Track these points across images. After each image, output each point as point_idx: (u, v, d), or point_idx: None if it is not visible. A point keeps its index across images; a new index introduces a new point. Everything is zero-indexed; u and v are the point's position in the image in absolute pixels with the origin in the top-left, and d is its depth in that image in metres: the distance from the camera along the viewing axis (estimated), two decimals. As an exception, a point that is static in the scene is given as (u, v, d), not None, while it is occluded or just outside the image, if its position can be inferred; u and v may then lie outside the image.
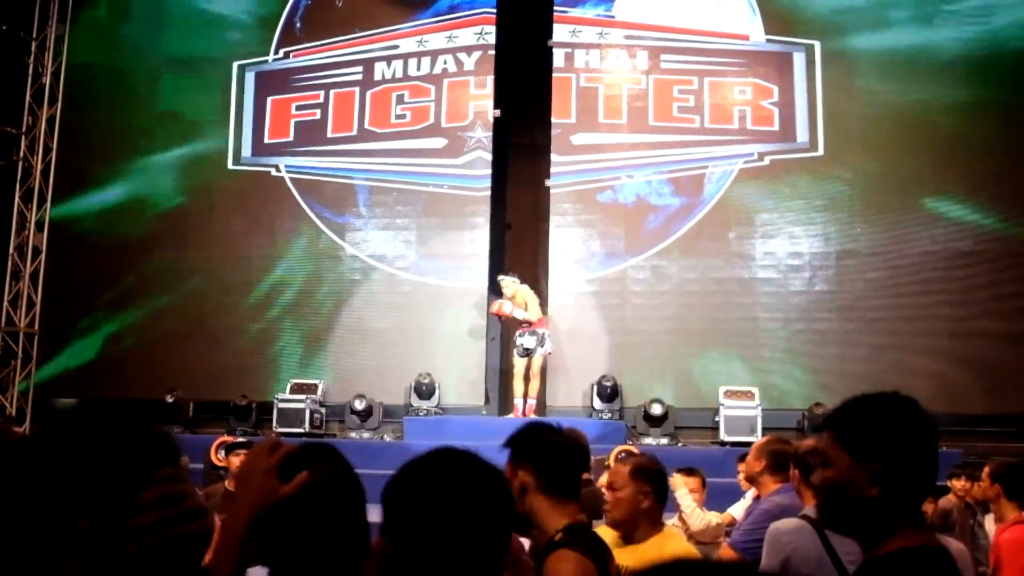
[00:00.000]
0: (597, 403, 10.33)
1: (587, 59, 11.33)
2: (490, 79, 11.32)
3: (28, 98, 12.13)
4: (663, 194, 11.02)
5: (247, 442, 7.03)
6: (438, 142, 11.32)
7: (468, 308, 11.01)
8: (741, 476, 5.04)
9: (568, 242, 11.09)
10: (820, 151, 10.81)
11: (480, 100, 11.33)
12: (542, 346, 9.82)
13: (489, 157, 11.21)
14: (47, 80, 12.16)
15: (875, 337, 10.26)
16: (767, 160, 10.90)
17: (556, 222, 11.06)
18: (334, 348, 11.19)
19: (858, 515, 1.83)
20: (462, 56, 11.47)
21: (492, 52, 11.36)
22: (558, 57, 11.30)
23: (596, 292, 10.90)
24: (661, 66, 11.21)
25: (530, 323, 9.80)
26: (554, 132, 11.14)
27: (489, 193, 11.19)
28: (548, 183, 11.08)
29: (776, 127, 10.93)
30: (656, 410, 10.02)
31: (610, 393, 10.29)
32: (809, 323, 10.50)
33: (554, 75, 11.26)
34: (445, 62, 11.47)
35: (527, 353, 9.79)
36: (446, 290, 11.06)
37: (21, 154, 12.04)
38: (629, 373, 10.46)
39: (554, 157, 11.12)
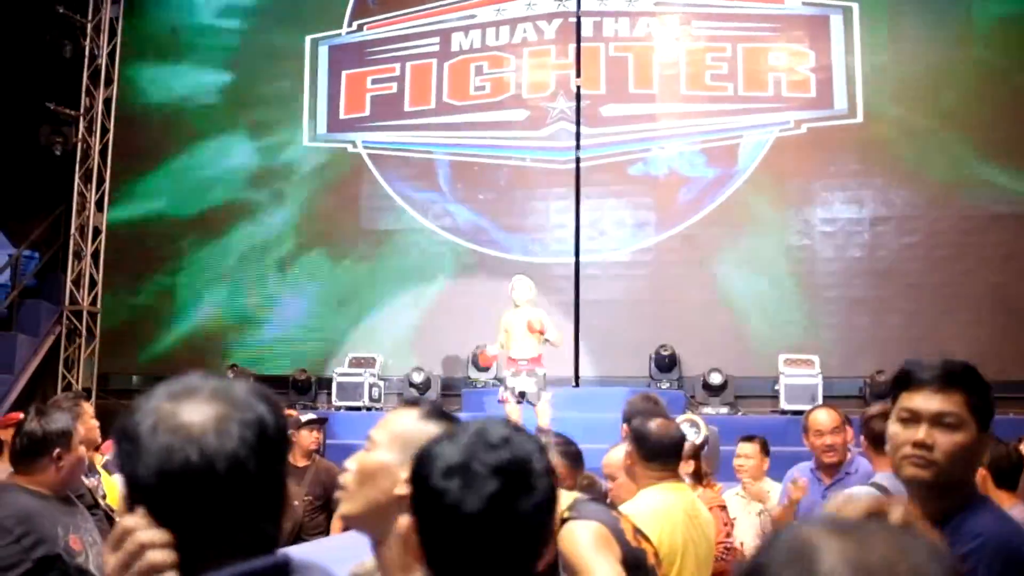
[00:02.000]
0: (655, 373, 10.33)
1: (616, 28, 11.21)
2: (571, 47, 11.17)
3: (85, 80, 12.25)
4: (696, 165, 10.97)
5: (318, 420, 7.12)
6: (519, 114, 11.29)
7: (549, 281, 10.90)
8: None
9: (600, 215, 11.09)
10: (859, 117, 10.67)
11: (562, 70, 11.23)
12: (544, 390, 8.19)
13: (573, 128, 11.09)
14: (103, 61, 12.27)
15: (912, 303, 10.21)
16: (804, 128, 10.81)
17: (587, 193, 11.03)
18: (394, 321, 11.22)
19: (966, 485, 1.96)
20: (542, 24, 11.36)
21: (573, 20, 11.17)
22: (586, 26, 11.14)
23: (631, 264, 10.92)
24: (692, 33, 11.12)
25: (532, 359, 8.27)
26: (583, 104, 11.09)
27: (574, 166, 11.06)
28: (578, 155, 11.04)
29: (813, 93, 10.81)
30: (715, 379, 10.04)
31: (668, 363, 10.29)
32: (846, 289, 10.44)
33: (582, 44, 11.14)
34: (524, 31, 11.40)
35: (522, 399, 8.14)
36: (527, 265, 10.85)
37: (80, 136, 12.17)
38: (686, 343, 10.41)
39: (584, 129, 11.05)
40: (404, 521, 1.42)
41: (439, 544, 1.38)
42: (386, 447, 1.76)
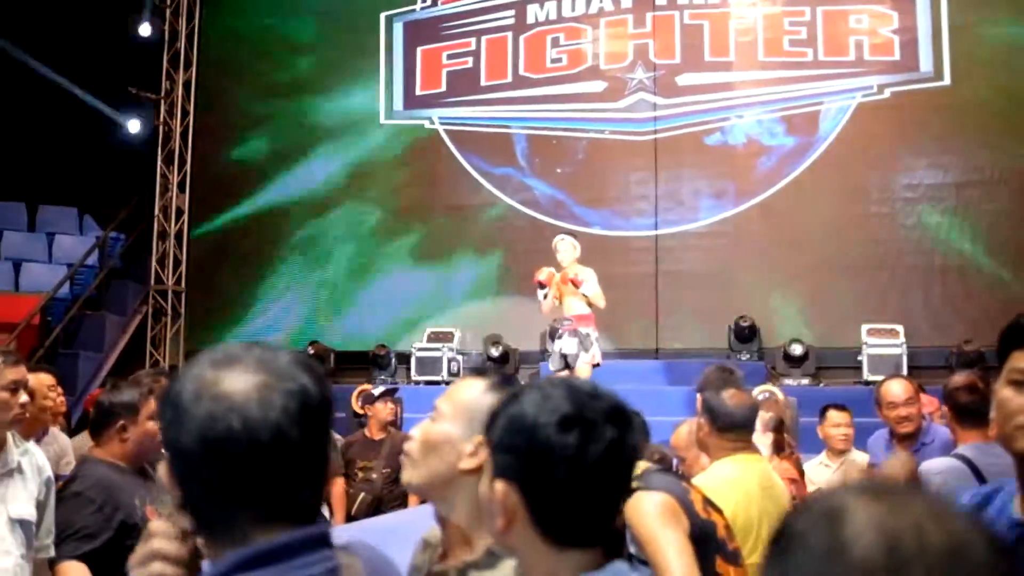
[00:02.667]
0: (735, 344, 10.21)
1: (691, -6, 11.03)
2: (650, 16, 11.06)
3: (165, 64, 12.55)
4: (775, 134, 10.79)
5: (389, 390, 7.28)
6: (596, 85, 11.20)
7: (628, 253, 10.99)
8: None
9: (678, 186, 10.98)
10: (946, 80, 10.36)
11: (640, 39, 11.11)
12: (587, 351, 7.72)
13: (652, 99, 11.02)
14: (182, 45, 12.53)
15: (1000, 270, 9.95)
16: (887, 93, 10.53)
17: (665, 164, 10.93)
18: (473, 295, 11.28)
19: None
20: (619, -8, 11.18)
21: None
22: (659, -6, 10.97)
23: (710, 235, 10.80)
24: (770, -3, 10.84)
25: (578, 317, 7.87)
26: (658, 73, 10.98)
27: (652, 137, 10.98)
28: (653, 127, 10.97)
29: (897, 56, 10.50)
30: (796, 350, 9.90)
31: (748, 334, 10.17)
32: (931, 256, 10.22)
33: (656, 13, 11.03)
34: (601, 0, 11.29)
35: (565, 365, 7.74)
36: (606, 238, 10.95)
37: (161, 118, 12.47)
38: (766, 314, 10.31)
39: (659, 100, 10.97)
40: (497, 487, 1.40)
41: (554, 500, 1.38)
42: (451, 419, 1.78)
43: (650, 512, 2.59)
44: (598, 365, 7.87)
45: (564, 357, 7.80)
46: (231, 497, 1.22)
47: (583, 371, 7.60)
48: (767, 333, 10.33)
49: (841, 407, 5.81)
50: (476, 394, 1.78)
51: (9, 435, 3.37)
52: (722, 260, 10.80)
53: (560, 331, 7.92)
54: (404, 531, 2.48)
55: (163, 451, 1.29)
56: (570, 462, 1.37)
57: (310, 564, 1.23)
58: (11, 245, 12.28)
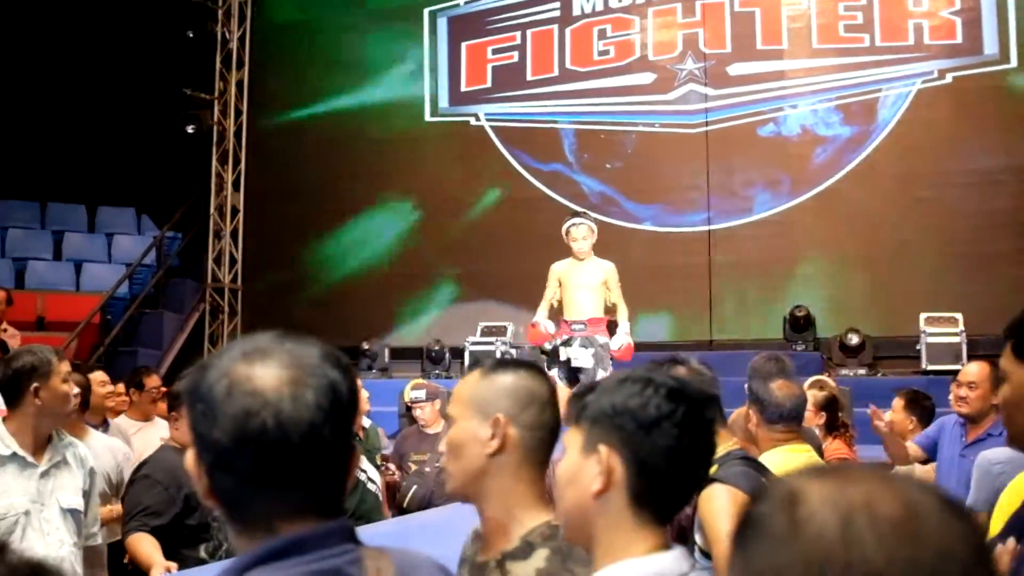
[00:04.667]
0: (790, 334, 10.17)
1: (741, -19, 10.88)
2: (699, 4, 11.00)
3: (218, 64, 12.90)
4: (831, 123, 10.68)
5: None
6: (646, 77, 11.17)
7: (681, 245, 11.01)
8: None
9: (731, 178, 10.91)
10: (1013, 62, 10.15)
11: (689, 29, 11.06)
12: (603, 368, 6.57)
13: (704, 90, 10.98)
14: (234, 45, 12.86)
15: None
16: (949, 77, 10.36)
17: (717, 156, 10.88)
18: (524, 292, 11.35)
19: None
20: (667, -19, 11.10)
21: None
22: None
23: (765, 226, 10.73)
24: (823, -19, 10.66)
25: (593, 321, 6.80)
26: (708, 64, 10.92)
27: (706, 129, 10.94)
28: (704, 119, 10.90)
29: (959, 39, 10.30)
30: (853, 340, 9.83)
31: (803, 324, 10.13)
32: (991, 243, 10.03)
33: (705, 2, 10.95)
34: None
35: (574, 378, 6.61)
36: (655, 234, 11.03)
37: (215, 118, 12.84)
38: (822, 304, 10.27)
39: (709, 91, 10.92)
40: (602, 449, 1.52)
41: (655, 468, 1.51)
42: (464, 417, 1.87)
43: (724, 511, 2.68)
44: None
45: (571, 369, 6.65)
46: (260, 490, 1.25)
47: None
48: (823, 323, 10.30)
49: (903, 392, 5.81)
50: (474, 383, 1.89)
51: (56, 431, 3.65)
52: (776, 251, 10.75)
53: (567, 337, 6.74)
54: (450, 526, 2.64)
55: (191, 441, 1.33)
56: (676, 431, 1.51)
57: (333, 556, 1.26)
58: (72, 246, 12.73)
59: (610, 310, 7.08)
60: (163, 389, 6.73)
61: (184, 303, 12.53)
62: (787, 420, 3.48)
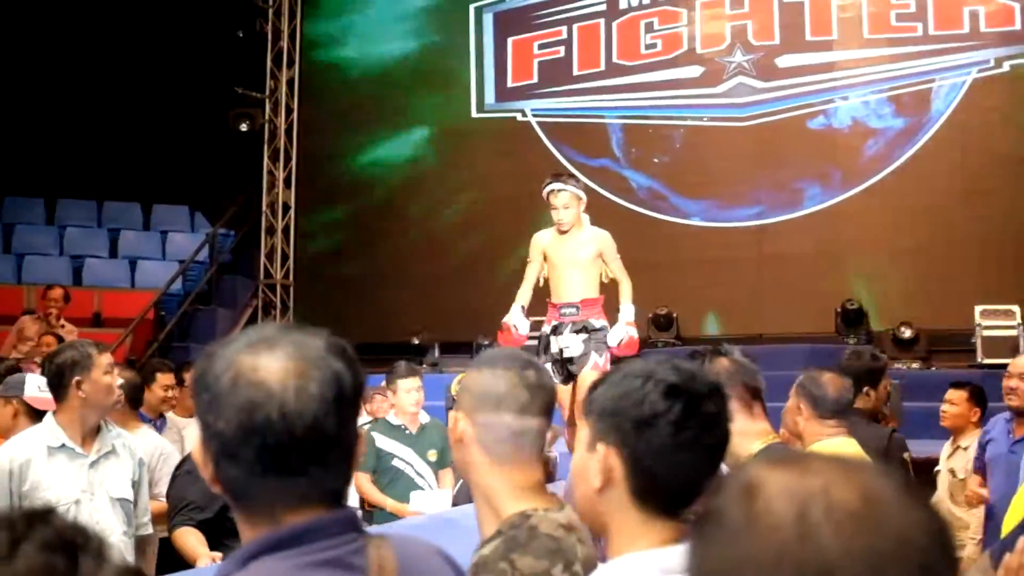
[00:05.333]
0: (841, 328, 10.08)
1: (789, -30, 10.71)
2: None
3: (269, 63, 13.09)
4: (883, 115, 10.53)
5: None
6: (694, 71, 11.12)
7: (730, 236, 10.98)
8: None
9: (781, 171, 10.82)
10: None
11: (738, 21, 10.97)
12: (598, 354, 5.57)
13: (752, 83, 10.88)
14: (284, 44, 13.05)
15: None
16: (1006, 66, 10.15)
17: (766, 149, 10.79)
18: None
19: None
20: (714, -27, 11.02)
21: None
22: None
23: (815, 219, 10.64)
24: (874, -32, 10.48)
25: (587, 302, 5.70)
26: (756, 56, 10.83)
27: (755, 123, 10.85)
28: (753, 111, 10.82)
29: (1017, 26, 10.10)
30: (906, 333, 9.77)
31: (855, 317, 10.04)
32: None
33: None
34: None
35: (566, 373, 5.59)
36: (703, 229, 11.00)
37: (266, 116, 13.04)
38: (874, 297, 10.16)
39: (758, 83, 10.83)
40: (599, 448, 1.54)
41: (652, 465, 1.52)
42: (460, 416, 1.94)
43: None
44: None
45: (563, 362, 5.62)
46: (264, 479, 1.27)
47: (580, 388, 5.28)
48: (876, 316, 10.20)
49: (960, 385, 5.76)
50: (453, 383, 2.04)
51: (104, 422, 3.78)
52: (827, 244, 10.67)
53: (558, 322, 5.71)
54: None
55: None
56: (671, 429, 1.51)
57: (336, 546, 1.29)
58: (127, 244, 13.01)
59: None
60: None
61: (237, 299, 12.76)
62: (838, 414, 3.46)
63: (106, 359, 3.71)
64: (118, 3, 12.66)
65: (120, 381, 3.85)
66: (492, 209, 11.89)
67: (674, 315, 10.78)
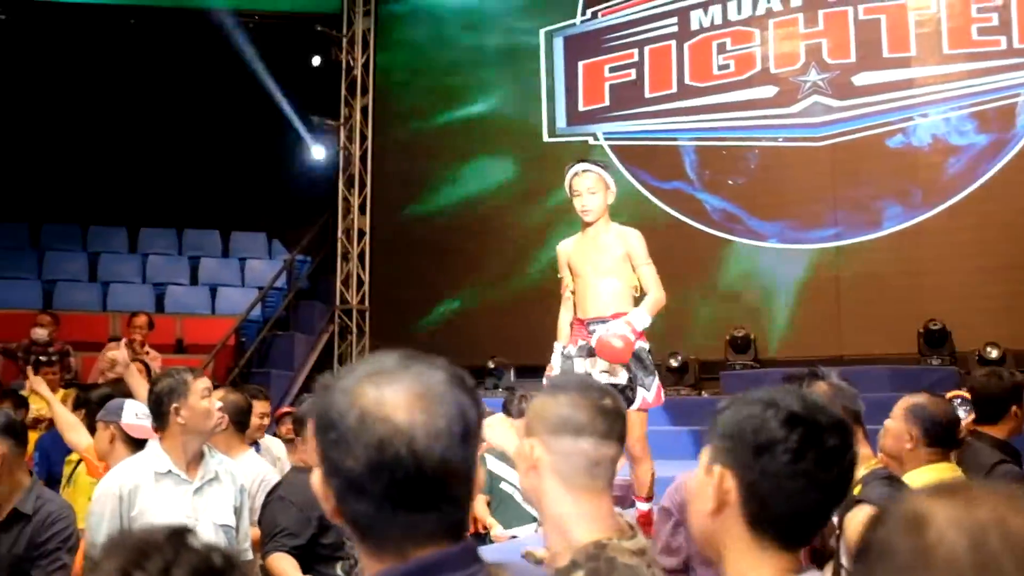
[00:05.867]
0: (924, 349, 9.87)
1: (866, -13, 10.57)
2: (822, 13, 10.77)
3: (343, 90, 13.35)
4: (965, 132, 10.28)
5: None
6: (767, 91, 11.01)
7: (809, 258, 10.86)
8: None
9: (859, 191, 10.64)
10: None
11: (812, 39, 10.87)
12: (646, 388, 4.81)
13: (828, 102, 10.77)
14: (358, 72, 13.30)
15: None
16: None
17: (844, 169, 10.65)
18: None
19: None
20: (787, -8, 10.92)
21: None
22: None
23: (896, 239, 10.45)
24: (953, -18, 10.26)
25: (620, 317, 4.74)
26: (832, 74, 10.69)
27: (831, 142, 10.74)
28: (830, 131, 10.67)
29: None
30: (992, 354, 9.44)
31: (938, 338, 9.84)
32: None
33: (828, 11, 10.72)
34: (768, 1, 11.07)
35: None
36: (782, 251, 10.89)
37: (341, 143, 13.29)
38: (958, 317, 9.86)
39: (834, 102, 10.68)
40: (716, 470, 1.56)
41: (767, 491, 1.52)
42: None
43: None
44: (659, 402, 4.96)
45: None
46: (392, 514, 1.27)
47: (633, 425, 4.41)
48: (960, 337, 9.98)
49: None
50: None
51: (207, 447, 3.88)
52: (908, 264, 10.47)
53: (586, 342, 4.87)
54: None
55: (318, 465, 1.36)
56: (788, 457, 1.51)
57: None
58: (207, 271, 13.32)
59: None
60: (281, 411, 7.10)
61: (314, 325, 12.95)
62: (945, 439, 3.43)
63: (202, 384, 3.80)
64: (198, 37, 13.00)
65: (218, 404, 3.94)
66: (566, 232, 11.85)
67: (752, 337, 10.70)
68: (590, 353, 4.81)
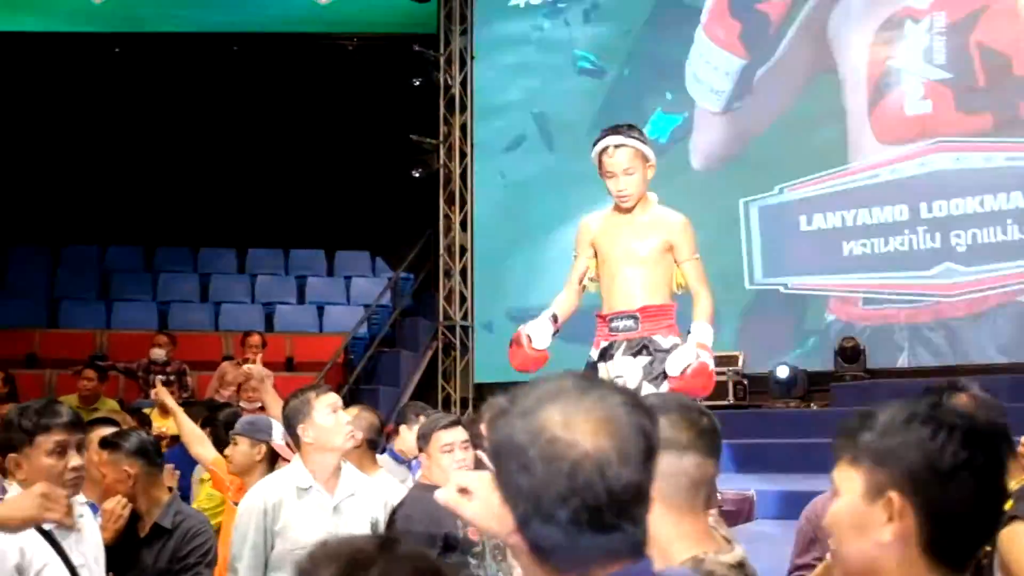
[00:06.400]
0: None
1: None
2: None
3: (441, 110, 13.52)
4: None
5: None
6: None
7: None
8: None
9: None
10: None
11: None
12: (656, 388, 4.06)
13: None
14: (456, 90, 13.47)
15: None
16: None
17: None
18: (753, 317, 11.17)
19: None
20: None
21: None
22: None
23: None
24: None
25: (649, 310, 4.29)
26: None
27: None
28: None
29: None
30: None
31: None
32: None
33: None
34: None
35: None
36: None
37: (441, 162, 13.46)
38: None
39: None
40: (892, 496, 1.49)
41: (949, 515, 1.48)
42: None
43: None
44: None
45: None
46: (579, 538, 1.29)
47: None
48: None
49: None
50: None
51: (344, 464, 3.95)
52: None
53: (609, 342, 4.32)
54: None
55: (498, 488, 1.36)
56: (976, 480, 1.46)
57: None
58: (313, 290, 13.64)
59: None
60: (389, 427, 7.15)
61: (419, 341, 13.10)
62: None
63: (326, 401, 3.86)
64: (299, 61, 13.36)
65: (346, 418, 4.00)
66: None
67: (862, 347, 10.49)
68: (603, 355, 4.16)
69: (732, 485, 7.28)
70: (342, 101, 13.38)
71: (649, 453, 1.34)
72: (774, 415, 10.28)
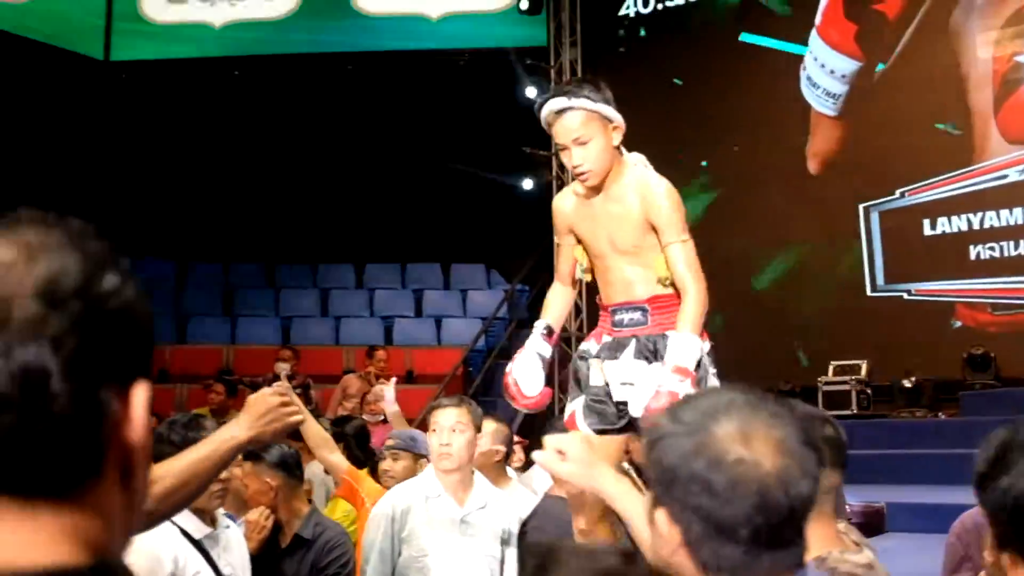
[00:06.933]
0: None
1: None
2: None
3: (553, 121, 13.64)
4: None
5: None
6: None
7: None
8: None
9: None
10: None
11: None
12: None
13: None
14: (567, 102, 13.59)
15: None
16: None
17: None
18: (875, 325, 10.92)
19: None
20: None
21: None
22: None
23: None
24: None
25: (655, 302, 3.39)
26: None
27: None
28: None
29: None
30: None
31: None
32: None
33: None
34: None
35: (615, 418, 3.36)
36: None
37: (554, 173, 13.58)
38: None
39: None
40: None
41: None
42: None
43: None
44: None
45: (617, 404, 3.38)
46: (758, 555, 1.33)
47: None
48: None
49: None
50: None
51: (476, 476, 4.06)
52: None
53: (613, 337, 3.48)
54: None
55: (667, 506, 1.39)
56: None
57: None
58: (431, 303, 13.88)
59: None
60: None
61: (535, 353, 13.17)
62: None
63: (439, 418, 3.99)
64: (412, 78, 13.65)
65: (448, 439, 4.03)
66: (779, 251, 11.71)
67: (991, 355, 10.19)
68: (610, 352, 3.40)
69: (860, 497, 7.18)
70: (455, 116, 13.62)
71: (820, 465, 1.38)
72: (901, 425, 10.07)
